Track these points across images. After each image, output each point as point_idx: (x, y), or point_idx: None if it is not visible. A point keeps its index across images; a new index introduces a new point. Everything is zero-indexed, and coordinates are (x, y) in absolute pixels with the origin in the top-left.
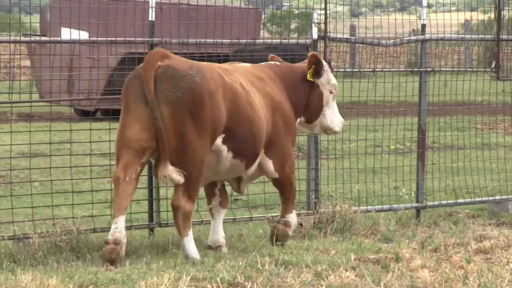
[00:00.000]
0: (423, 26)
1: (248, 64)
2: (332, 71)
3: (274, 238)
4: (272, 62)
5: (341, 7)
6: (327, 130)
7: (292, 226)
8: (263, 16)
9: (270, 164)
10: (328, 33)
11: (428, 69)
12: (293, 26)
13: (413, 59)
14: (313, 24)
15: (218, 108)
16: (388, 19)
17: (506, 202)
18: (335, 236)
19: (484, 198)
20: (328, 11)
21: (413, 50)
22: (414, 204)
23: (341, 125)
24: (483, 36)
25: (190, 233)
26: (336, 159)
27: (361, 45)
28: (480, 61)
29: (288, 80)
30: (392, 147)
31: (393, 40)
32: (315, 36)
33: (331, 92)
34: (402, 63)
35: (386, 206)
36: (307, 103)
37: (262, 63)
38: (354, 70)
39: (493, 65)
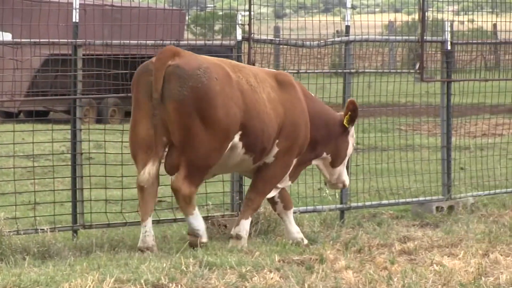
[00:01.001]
0: (347, 27)
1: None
2: None
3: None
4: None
5: (265, 8)
6: (339, 183)
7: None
8: (187, 17)
9: (275, 151)
10: (252, 35)
11: (352, 71)
12: (217, 27)
13: (337, 60)
14: (237, 26)
15: (229, 106)
16: (312, 20)
17: (430, 203)
18: (259, 238)
19: (408, 199)
20: (252, 13)
21: (337, 52)
22: (338, 206)
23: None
24: (407, 37)
25: (195, 211)
26: None
27: (285, 46)
28: (404, 62)
29: (316, 110)
30: None
31: (317, 42)
32: (239, 37)
33: (352, 145)
34: (326, 64)
35: (310, 208)
36: (337, 146)
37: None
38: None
39: (417, 67)
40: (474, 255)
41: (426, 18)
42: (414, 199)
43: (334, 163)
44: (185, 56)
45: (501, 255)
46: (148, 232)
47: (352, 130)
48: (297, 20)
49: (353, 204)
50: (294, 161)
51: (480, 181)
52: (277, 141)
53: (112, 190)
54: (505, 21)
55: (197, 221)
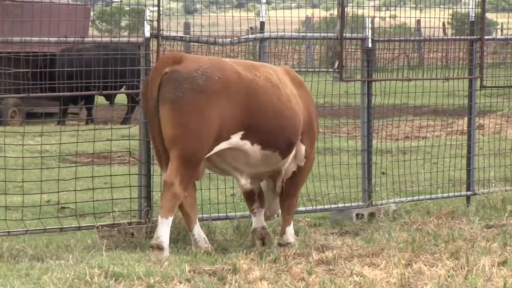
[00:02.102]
0: (262, 23)
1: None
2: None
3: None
4: None
5: (175, 3)
6: None
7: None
8: (92, 13)
9: (302, 150)
10: (161, 31)
11: None
12: (124, 23)
13: (251, 58)
14: (145, 22)
15: (226, 106)
16: (224, 16)
17: (349, 210)
18: (169, 247)
19: (326, 206)
20: (161, 8)
21: (251, 49)
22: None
23: None
24: (325, 34)
25: (170, 218)
26: None
27: (196, 44)
28: (322, 60)
29: None
30: None
31: (230, 39)
32: (147, 34)
33: None
34: None
35: (222, 215)
36: None
37: None
38: None
39: (336, 65)
40: (397, 265)
41: (345, 14)
42: (333, 206)
43: None
44: (186, 61)
45: (425, 265)
46: (198, 238)
47: None
48: (209, 16)
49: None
50: None
51: (402, 186)
52: (301, 138)
53: (12, 196)
54: (429, 17)
55: (165, 228)
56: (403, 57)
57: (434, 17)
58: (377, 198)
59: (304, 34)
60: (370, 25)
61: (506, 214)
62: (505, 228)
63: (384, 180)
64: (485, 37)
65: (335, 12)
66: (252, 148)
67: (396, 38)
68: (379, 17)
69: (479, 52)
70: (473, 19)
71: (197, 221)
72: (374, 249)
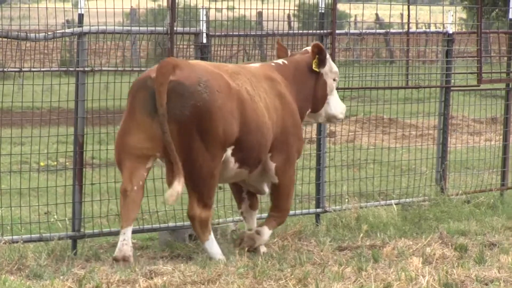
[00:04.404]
0: (81, 16)
1: (257, 64)
2: None
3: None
4: (280, 61)
5: None
6: (331, 118)
7: (263, 238)
8: None
9: (272, 167)
10: None
11: (86, 69)
12: None
13: (67, 56)
14: None
15: (228, 121)
16: (37, 7)
17: (181, 230)
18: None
19: (154, 226)
20: None
21: (67, 46)
22: (70, 233)
23: (344, 112)
24: (153, 28)
25: (211, 236)
26: None
27: (4, 39)
28: (149, 58)
29: (295, 79)
30: (42, 164)
31: (44, 33)
32: None
33: (334, 80)
34: (55, 61)
35: (35, 236)
36: (313, 94)
37: (271, 63)
38: None
39: None
40: None
41: (176, 5)
42: (163, 225)
43: (315, 110)
44: (184, 68)
45: None
46: (126, 241)
47: (328, 66)
48: (19, 7)
49: (88, 232)
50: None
51: None
52: (270, 154)
53: None
54: (272, 9)
55: (212, 247)
56: (243, 54)
57: (278, 9)
58: (214, 217)
59: (129, 28)
60: (204, 18)
61: (361, 235)
62: (360, 250)
63: (221, 195)
64: (337, 31)
65: (164, 2)
66: (233, 166)
67: (234, 33)
68: (215, 8)
69: (329, 48)
70: (322, 11)
71: (132, 224)
72: (210, 275)
